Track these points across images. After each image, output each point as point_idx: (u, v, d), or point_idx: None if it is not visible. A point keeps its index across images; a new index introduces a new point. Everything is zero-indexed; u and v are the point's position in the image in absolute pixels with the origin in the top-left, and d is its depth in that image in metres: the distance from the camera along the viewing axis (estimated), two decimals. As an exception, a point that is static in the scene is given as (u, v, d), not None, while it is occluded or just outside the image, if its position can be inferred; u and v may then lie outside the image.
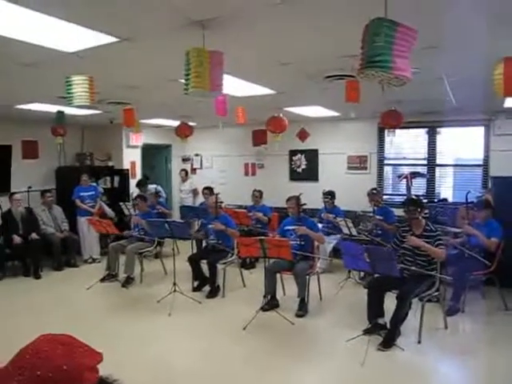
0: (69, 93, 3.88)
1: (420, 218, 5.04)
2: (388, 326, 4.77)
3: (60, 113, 6.51)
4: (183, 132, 8.28)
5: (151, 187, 9.58)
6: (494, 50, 3.54)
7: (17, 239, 7.51)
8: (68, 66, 3.99)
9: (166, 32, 3.31)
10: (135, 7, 2.80)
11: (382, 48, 2.24)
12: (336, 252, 7.40)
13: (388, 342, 4.59)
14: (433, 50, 3.75)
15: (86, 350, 1.20)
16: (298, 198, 6.02)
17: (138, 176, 10.41)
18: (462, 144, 8.85)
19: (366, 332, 4.80)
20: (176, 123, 8.61)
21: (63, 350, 1.14)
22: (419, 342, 4.72)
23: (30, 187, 8.66)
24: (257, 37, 3.51)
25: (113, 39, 3.46)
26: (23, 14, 2.84)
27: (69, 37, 3.41)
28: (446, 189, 8.96)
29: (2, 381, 1.08)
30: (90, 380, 1.16)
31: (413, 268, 4.86)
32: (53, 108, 6.77)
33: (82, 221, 8.39)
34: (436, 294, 5.01)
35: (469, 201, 5.99)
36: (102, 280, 7.12)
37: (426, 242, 4.80)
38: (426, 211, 7.00)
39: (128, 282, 6.99)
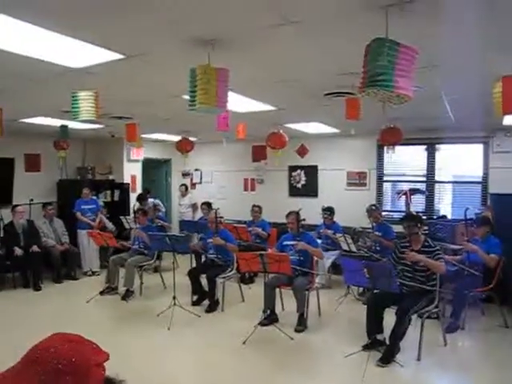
0: (74, 107, 3.94)
1: (419, 233, 5.07)
2: (387, 341, 4.78)
3: (64, 127, 6.58)
4: (184, 147, 8.35)
5: (150, 201, 9.61)
6: (493, 69, 3.61)
7: (18, 251, 7.54)
8: (73, 81, 4.05)
9: (172, 49, 3.38)
10: (142, 25, 2.87)
11: (384, 67, 2.30)
12: (335, 268, 7.43)
13: (387, 358, 4.59)
14: (432, 69, 3.82)
15: (93, 348, 1.28)
16: (297, 214, 6.06)
17: (139, 190, 10.45)
18: (461, 161, 8.92)
19: (366, 348, 4.80)
20: (177, 138, 8.69)
21: (72, 345, 1.22)
22: (419, 359, 4.72)
23: (31, 200, 8.70)
24: (259, 55, 3.58)
25: (119, 56, 3.53)
26: (30, 30, 2.90)
27: (76, 53, 3.47)
28: (445, 206, 9.01)
29: (17, 375, 1.16)
30: (97, 376, 1.24)
31: (412, 284, 4.88)
32: (56, 122, 6.84)
33: (83, 234, 8.41)
34: (435, 310, 5.02)
35: (468, 217, 6.03)
36: (102, 293, 7.12)
37: (426, 257, 4.83)
38: (425, 228, 7.03)
39: (127, 295, 6.99)
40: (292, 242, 5.98)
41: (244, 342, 5.16)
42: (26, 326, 5.56)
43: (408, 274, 4.98)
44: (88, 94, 3.87)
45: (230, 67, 3.25)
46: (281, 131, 6.97)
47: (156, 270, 8.23)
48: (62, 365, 1.17)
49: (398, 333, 4.63)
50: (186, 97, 3.57)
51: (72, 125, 6.87)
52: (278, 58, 3.67)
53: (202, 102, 3.01)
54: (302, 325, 5.62)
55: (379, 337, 4.89)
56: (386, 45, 2.27)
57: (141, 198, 9.38)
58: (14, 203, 8.32)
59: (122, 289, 7.16)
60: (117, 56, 3.50)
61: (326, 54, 3.57)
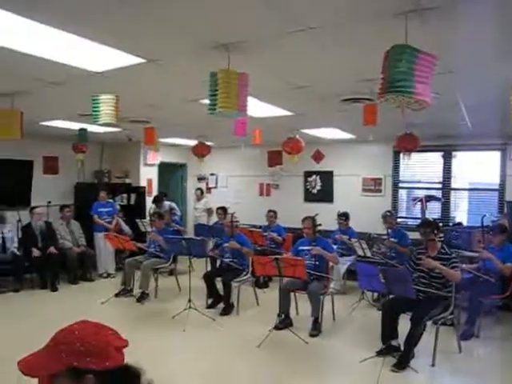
0: (95, 111, 4.01)
1: (435, 239, 5.07)
2: (402, 347, 4.77)
3: (82, 130, 6.68)
4: (200, 151, 8.42)
5: (166, 204, 9.67)
6: (509, 76, 3.62)
7: (36, 252, 7.66)
8: (93, 84, 4.14)
9: (191, 54, 3.44)
10: (162, 29, 2.93)
11: (403, 73, 2.33)
12: (350, 273, 7.42)
13: (402, 364, 4.58)
14: (450, 75, 3.83)
15: (113, 333, 1.46)
16: (313, 219, 6.09)
17: (155, 194, 10.52)
18: (478, 168, 8.87)
19: (380, 353, 4.79)
20: (193, 142, 8.77)
21: (94, 330, 1.41)
22: (433, 365, 4.71)
23: (49, 202, 8.83)
24: (276, 60, 3.63)
25: (139, 60, 3.60)
26: (52, 34, 2.98)
27: (97, 57, 3.55)
28: (461, 213, 8.96)
29: (45, 354, 1.35)
30: (116, 359, 1.38)
31: (427, 290, 4.87)
32: (74, 125, 6.95)
33: (99, 236, 8.52)
34: (450, 317, 5.00)
35: (484, 225, 6.01)
36: (117, 295, 7.20)
37: (442, 265, 4.82)
38: (441, 235, 7.01)
39: (143, 297, 7.05)
40: (307, 247, 6.00)
41: (259, 346, 5.18)
42: (43, 325, 5.61)
43: (424, 281, 4.97)
44: (108, 97, 3.95)
45: (247, 71, 3.29)
46: (297, 136, 7.01)
47: (171, 273, 8.30)
48: (84, 347, 1.33)
49: (413, 339, 4.62)
50: (204, 101, 3.62)
51: (90, 128, 6.98)
52: (295, 63, 3.72)
53: (224, 106, 3.06)
54: (316, 329, 5.63)
55: (394, 342, 4.88)
56: (406, 51, 2.30)
57: (157, 200, 9.44)
58: (32, 205, 8.45)
59: (137, 291, 7.22)
60: (137, 60, 3.57)
61: (343, 60, 3.61)
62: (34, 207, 8.22)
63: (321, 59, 3.59)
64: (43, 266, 7.72)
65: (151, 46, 3.31)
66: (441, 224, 7.47)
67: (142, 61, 3.59)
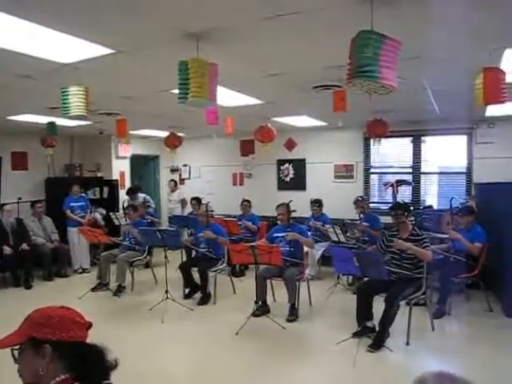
0: (64, 103, 3.96)
1: (407, 221, 5.19)
2: (377, 328, 4.89)
3: (51, 124, 6.57)
4: (172, 143, 8.39)
5: (140, 196, 9.62)
6: (475, 61, 3.71)
7: (7, 250, 7.52)
8: (62, 76, 4.08)
9: (161, 43, 3.44)
10: (131, 19, 2.92)
11: (369, 59, 2.39)
12: (324, 259, 7.53)
13: (377, 344, 4.71)
14: (416, 61, 3.91)
15: (73, 312, 1.68)
16: (288, 205, 6.15)
17: (127, 186, 10.42)
18: (446, 152, 9.05)
19: (356, 335, 4.91)
20: (164, 134, 8.73)
21: (55, 307, 1.67)
22: (407, 344, 4.85)
23: (19, 198, 8.67)
24: (247, 48, 3.65)
25: (108, 51, 3.57)
26: (18, 25, 2.93)
27: (65, 48, 3.51)
28: (431, 196, 9.15)
29: (17, 329, 1.62)
30: (74, 333, 1.59)
31: (400, 271, 5.00)
32: (43, 119, 6.84)
33: (73, 231, 8.44)
34: (423, 296, 5.15)
35: (453, 207, 6.17)
36: (94, 289, 7.16)
37: (413, 245, 4.95)
38: (412, 218, 7.16)
39: (119, 290, 7.03)
40: (282, 234, 6.06)
41: (237, 333, 5.24)
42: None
43: (396, 262, 5.10)
44: (78, 89, 3.90)
45: (218, 61, 3.31)
46: (269, 125, 7.05)
47: (147, 265, 8.27)
48: (43, 319, 1.57)
49: (387, 319, 4.75)
50: (175, 91, 3.62)
51: (60, 122, 6.88)
52: (265, 51, 3.74)
53: (196, 95, 3.08)
54: (293, 315, 5.72)
55: (369, 324, 5.00)
56: (372, 37, 2.36)
57: (131, 193, 9.39)
58: (2, 202, 8.32)
59: (113, 285, 7.20)
60: (106, 51, 3.55)
61: (313, 48, 3.65)
62: (4, 204, 8.08)
63: (290, 47, 3.61)
64: (16, 263, 7.60)
65: (119, 37, 3.29)
66: (412, 207, 7.65)
67: (111, 51, 3.57)
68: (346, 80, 2.52)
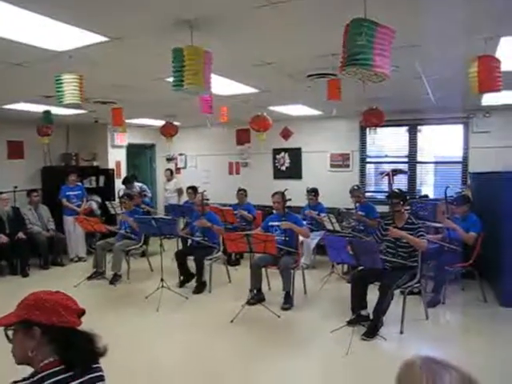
0: (59, 91, 3.94)
1: (403, 210, 5.20)
2: (371, 317, 4.92)
3: (47, 112, 6.54)
4: (168, 131, 8.38)
5: (136, 185, 9.63)
6: (470, 49, 3.70)
7: (3, 238, 7.52)
8: (57, 65, 4.05)
9: (154, 31, 3.41)
10: (124, 6, 2.90)
11: (363, 47, 2.38)
12: (320, 248, 7.55)
13: (371, 332, 4.74)
14: (411, 49, 3.90)
15: (67, 298, 1.72)
16: (283, 194, 6.15)
17: (123, 175, 10.42)
18: (442, 142, 9.05)
19: (350, 323, 4.95)
20: (160, 123, 8.71)
21: (49, 292, 1.70)
22: (401, 332, 4.88)
23: (15, 187, 8.66)
24: (240, 36, 3.63)
25: (102, 38, 3.55)
26: (12, 12, 2.91)
27: (58, 36, 3.48)
28: (427, 186, 9.17)
29: (13, 311, 1.68)
30: (65, 318, 1.62)
31: (394, 260, 5.02)
32: (38, 108, 6.80)
33: (69, 220, 8.44)
34: (417, 285, 5.17)
35: (448, 196, 6.19)
36: (90, 278, 7.18)
37: (409, 234, 4.97)
38: (408, 207, 7.17)
39: (115, 279, 7.06)
40: (277, 223, 6.07)
41: (232, 321, 5.27)
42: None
43: (391, 251, 5.12)
44: (72, 77, 3.88)
45: (211, 48, 3.29)
46: (264, 114, 7.03)
47: (143, 254, 8.30)
48: (36, 302, 1.62)
49: (381, 307, 4.78)
50: (169, 79, 3.60)
51: (55, 110, 6.85)
52: (259, 39, 3.72)
53: (191, 82, 3.07)
54: (288, 303, 5.74)
55: (363, 312, 5.03)
56: (365, 25, 2.35)
57: (126, 182, 9.39)
58: (-2, 191, 8.30)
59: (109, 273, 7.22)
60: (100, 38, 3.52)
61: (307, 36, 3.63)
62: (1, 193, 8.06)
63: (284, 35, 3.60)
64: (12, 252, 7.62)
65: (113, 24, 3.27)
66: (407, 197, 7.66)
67: (105, 39, 3.55)
68: (340, 68, 2.51)
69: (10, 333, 1.64)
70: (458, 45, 3.91)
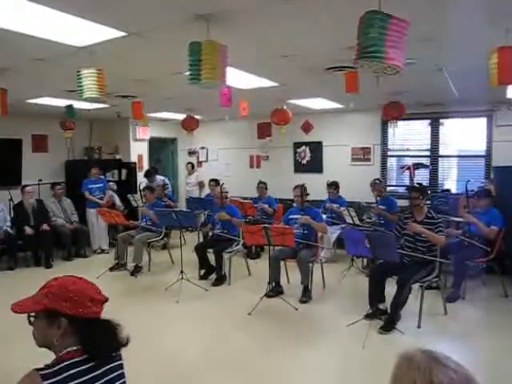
0: (79, 86, 4.02)
1: (422, 204, 5.15)
2: (389, 310, 4.91)
3: (69, 107, 6.66)
4: (189, 125, 8.45)
5: (159, 178, 9.73)
6: (491, 40, 3.64)
7: (28, 230, 7.71)
8: (78, 60, 4.13)
9: (171, 26, 3.45)
10: (141, 1, 2.94)
11: (375, 39, 2.37)
12: (340, 242, 7.53)
13: (388, 326, 4.73)
14: (431, 42, 3.86)
15: (92, 287, 1.72)
16: (302, 187, 6.16)
17: (145, 169, 10.53)
18: (465, 135, 8.92)
19: (367, 317, 4.94)
20: (182, 116, 8.77)
21: (74, 280, 1.69)
22: (419, 327, 4.86)
23: (40, 180, 8.86)
24: (256, 30, 3.64)
25: (120, 33, 3.60)
26: (34, 9, 2.98)
27: (78, 32, 3.55)
28: (449, 180, 9.05)
29: (35, 297, 1.64)
30: (90, 309, 1.63)
31: (413, 254, 4.99)
32: (62, 102, 6.93)
33: (92, 212, 8.58)
34: (435, 280, 5.13)
35: (469, 190, 6.11)
36: (111, 269, 7.31)
37: (428, 229, 4.93)
38: (429, 202, 7.11)
39: (136, 270, 7.17)
40: (297, 216, 6.09)
41: (250, 314, 5.31)
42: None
43: (410, 245, 5.09)
44: (91, 71, 3.95)
45: (229, 42, 3.32)
46: (284, 107, 7.03)
47: (164, 247, 8.41)
48: (62, 292, 1.61)
49: (399, 301, 4.76)
50: (187, 73, 3.64)
51: (78, 105, 6.97)
52: (275, 33, 3.72)
53: (209, 76, 3.11)
54: (306, 296, 5.76)
55: (381, 306, 5.03)
56: (377, 17, 2.34)
57: (148, 175, 9.51)
58: (23, 184, 8.48)
59: (130, 265, 7.34)
60: (118, 34, 3.58)
61: (324, 29, 3.62)
62: (25, 186, 8.24)
63: (301, 28, 3.59)
64: (36, 243, 7.79)
65: (130, 19, 3.31)
66: (428, 191, 7.58)
67: (123, 34, 3.60)
68: (354, 60, 2.51)
69: (31, 318, 1.65)
70: (479, 36, 3.84)
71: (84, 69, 3.99)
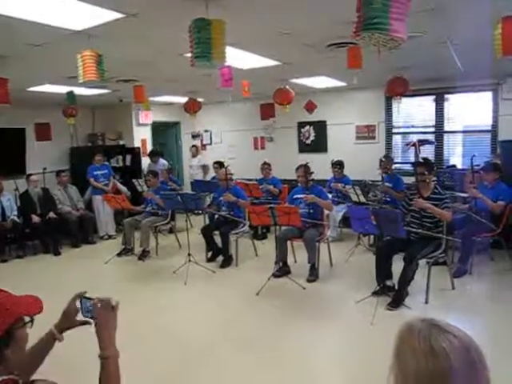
0: (78, 70, 3.99)
1: (429, 180, 5.10)
2: (396, 287, 4.91)
3: (70, 93, 6.63)
4: (192, 108, 8.41)
5: (161, 162, 9.73)
6: (497, 10, 3.56)
7: (35, 219, 7.75)
8: (77, 44, 4.08)
9: (168, 5, 3.40)
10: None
11: (379, 10, 2.32)
12: (346, 221, 7.51)
13: (396, 302, 4.74)
14: (433, 12, 3.78)
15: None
16: (306, 166, 6.13)
17: (150, 153, 10.55)
18: (471, 110, 8.82)
19: (375, 293, 4.95)
20: (184, 100, 8.72)
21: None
22: (426, 302, 4.87)
23: (45, 168, 8.85)
24: (257, 7, 3.58)
25: (118, 15, 3.56)
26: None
27: (76, 15, 3.51)
28: (455, 156, 8.98)
29: None
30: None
31: (420, 230, 4.97)
32: (63, 89, 6.89)
33: (97, 199, 8.60)
34: (442, 255, 5.12)
35: (474, 165, 6.06)
36: (119, 254, 7.35)
37: (434, 205, 4.89)
38: (434, 178, 7.06)
39: (144, 255, 7.21)
40: (302, 196, 6.08)
41: (258, 294, 5.33)
42: (50, 289, 5.75)
43: (416, 221, 5.06)
44: (88, 54, 3.90)
45: (228, 21, 3.27)
46: (287, 87, 6.97)
47: (171, 230, 8.43)
48: None
49: (406, 277, 4.76)
50: (188, 55, 3.59)
51: (80, 91, 6.94)
52: (274, 8, 3.65)
53: (220, 56, 3.08)
54: (313, 275, 5.77)
55: (388, 282, 5.03)
56: (380, -13, 2.29)
57: (152, 155, 9.68)
58: (28, 172, 8.50)
59: (138, 249, 7.37)
60: (116, 15, 3.53)
61: (323, 4, 3.55)
62: (30, 175, 8.26)
63: (300, 3, 3.53)
64: (44, 231, 7.84)
65: (129, 0, 3.27)
66: (434, 166, 7.53)
67: (121, 15, 3.55)
68: (354, 33, 2.46)
69: None
70: (484, 5, 3.76)
71: (81, 52, 3.94)
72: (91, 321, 1.66)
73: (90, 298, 1.68)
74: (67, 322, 1.72)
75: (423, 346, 1.05)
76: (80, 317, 1.72)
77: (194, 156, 11.33)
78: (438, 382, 1.02)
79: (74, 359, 3.43)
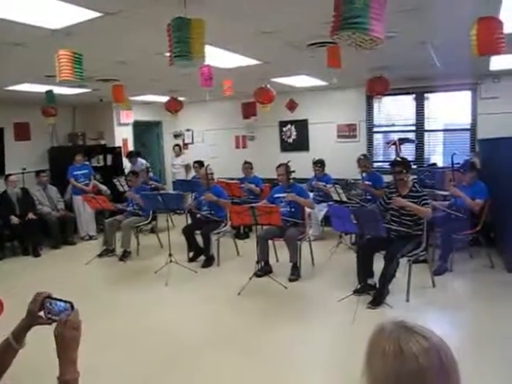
0: (57, 69, 3.94)
1: (406, 178, 5.14)
2: (377, 285, 4.93)
3: (49, 92, 6.54)
4: (173, 107, 8.34)
5: (140, 162, 9.67)
6: (474, 11, 3.60)
7: (14, 219, 7.61)
8: (55, 43, 4.03)
9: (146, 4, 3.37)
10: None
11: (359, 10, 2.32)
12: (328, 219, 7.53)
13: (377, 301, 4.76)
14: (412, 13, 3.81)
15: None
16: (286, 166, 6.14)
17: (130, 153, 10.47)
18: (450, 109, 8.91)
19: (356, 292, 4.97)
20: (165, 99, 8.66)
21: None
22: (407, 300, 4.90)
23: (24, 168, 8.72)
24: (235, 5, 3.56)
25: (95, 14, 3.52)
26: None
27: (52, 13, 3.47)
28: (435, 154, 9.07)
29: None
30: None
31: (399, 228, 5.00)
32: (43, 88, 6.80)
33: (78, 199, 8.50)
34: (423, 253, 5.16)
35: (455, 163, 6.12)
36: (100, 255, 7.28)
37: (412, 202, 4.93)
38: (415, 176, 7.13)
39: (125, 255, 7.14)
40: (282, 195, 6.08)
41: (239, 293, 5.32)
42: (29, 291, 5.66)
43: (395, 219, 5.09)
44: (64, 53, 3.85)
45: (207, 19, 3.24)
46: (268, 86, 6.96)
47: (152, 230, 8.38)
48: None
49: (387, 276, 4.78)
50: (168, 54, 3.56)
51: (60, 90, 6.84)
52: (254, 8, 3.65)
53: (199, 55, 3.05)
54: (295, 274, 5.78)
55: (370, 281, 5.05)
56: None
57: (130, 156, 9.63)
58: (7, 173, 8.36)
59: (119, 250, 7.30)
60: (93, 14, 3.50)
61: (303, 3, 3.55)
62: (9, 175, 8.13)
63: (280, 2, 3.53)
64: (23, 232, 7.71)
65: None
66: (415, 166, 7.60)
67: (98, 14, 3.52)
68: (331, 32, 2.46)
69: None
70: (462, 6, 3.80)
71: (58, 51, 3.89)
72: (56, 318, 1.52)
73: (58, 300, 1.60)
74: (31, 320, 1.60)
75: (393, 348, 1.05)
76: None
77: (177, 155, 11.27)
78: (406, 383, 1.02)
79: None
